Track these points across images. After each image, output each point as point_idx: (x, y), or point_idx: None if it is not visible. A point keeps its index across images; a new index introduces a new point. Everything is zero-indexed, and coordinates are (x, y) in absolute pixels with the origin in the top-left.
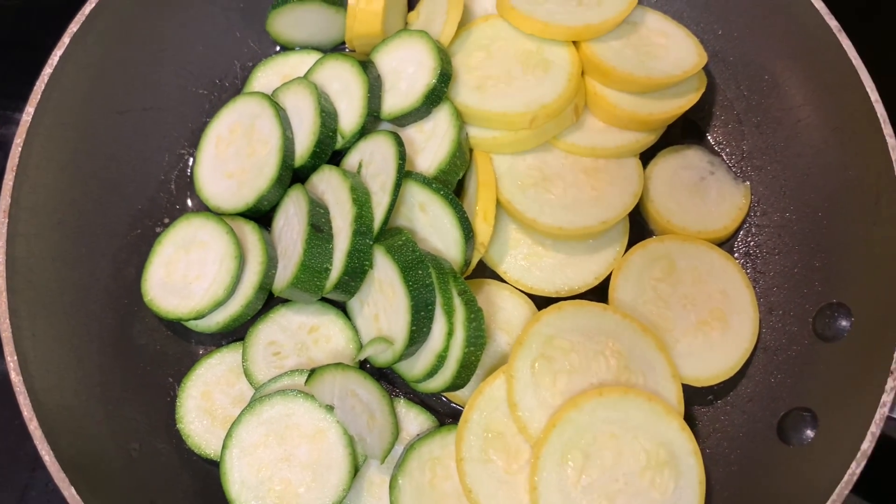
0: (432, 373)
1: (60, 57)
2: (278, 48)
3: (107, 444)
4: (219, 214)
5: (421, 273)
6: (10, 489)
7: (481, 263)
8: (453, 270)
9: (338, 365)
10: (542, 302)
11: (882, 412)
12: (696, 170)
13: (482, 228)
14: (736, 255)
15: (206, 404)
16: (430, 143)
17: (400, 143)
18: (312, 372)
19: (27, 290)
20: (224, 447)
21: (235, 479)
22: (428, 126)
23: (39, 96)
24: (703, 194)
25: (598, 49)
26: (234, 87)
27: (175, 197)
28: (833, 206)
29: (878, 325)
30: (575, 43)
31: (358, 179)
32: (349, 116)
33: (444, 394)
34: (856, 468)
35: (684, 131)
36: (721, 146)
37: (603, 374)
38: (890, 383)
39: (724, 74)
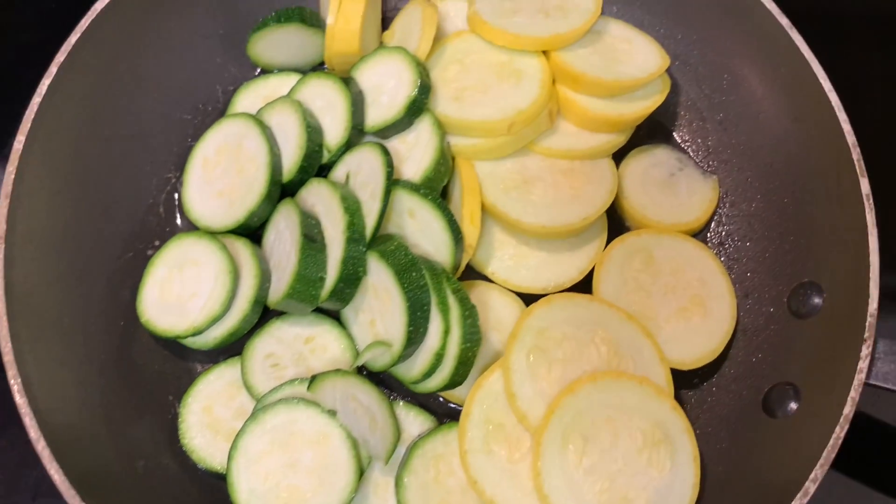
0: (430, 372)
1: (49, 86)
2: (258, 71)
3: (113, 462)
4: (210, 233)
5: (415, 275)
6: None
7: (469, 267)
8: (445, 271)
9: (337, 371)
10: (530, 299)
11: (860, 378)
12: (665, 167)
13: (470, 231)
14: (710, 244)
15: (207, 419)
16: (414, 153)
17: (386, 152)
18: (314, 378)
19: (27, 315)
20: (230, 458)
21: (243, 488)
22: (410, 137)
23: (30, 124)
24: (674, 189)
25: (567, 57)
26: (217, 110)
27: (164, 219)
28: (797, 191)
29: (849, 298)
30: (545, 53)
31: (347, 189)
32: (334, 131)
33: (442, 393)
34: (839, 432)
35: (652, 131)
36: (687, 143)
37: (595, 362)
38: (864, 351)
39: (686, 76)
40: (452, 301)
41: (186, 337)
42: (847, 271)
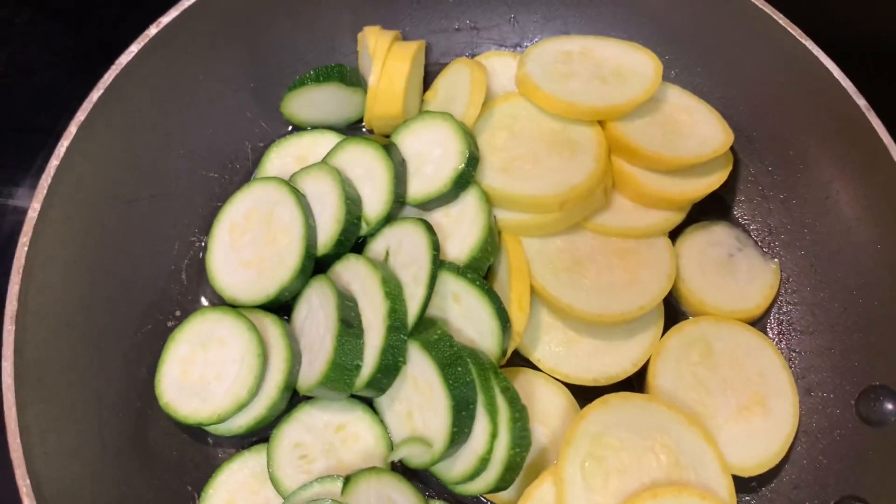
0: (473, 475)
1: (67, 148)
2: (290, 127)
3: None
4: (235, 307)
5: (461, 370)
6: None
7: (513, 351)
8: (493, 365)
9: (372, 470)
10: (577, 390)
11: None
12: (724, 246)
13: (517, 317)
14: (769, 334)
15: None
16: (459, 229)
17: (432, 231)
18: (347, 480)
19: (37, 404)
20: None
21: None
22: (455, 210)
23: (46, 190)
24: (734, 272)
25: (624, 128)
26: (245, 168)
27: (187, 288)
28: (867, 283)
29: None
30: (600, 122)
31: (389, 271)
32: (374, 202)
33: (485, 495)
34: None
35: (709, 207)
36: (747, 222)
37: (654, 472)
38: None
39: (747, 149)
40: (501, 401)
41: (210, 424)
42: None
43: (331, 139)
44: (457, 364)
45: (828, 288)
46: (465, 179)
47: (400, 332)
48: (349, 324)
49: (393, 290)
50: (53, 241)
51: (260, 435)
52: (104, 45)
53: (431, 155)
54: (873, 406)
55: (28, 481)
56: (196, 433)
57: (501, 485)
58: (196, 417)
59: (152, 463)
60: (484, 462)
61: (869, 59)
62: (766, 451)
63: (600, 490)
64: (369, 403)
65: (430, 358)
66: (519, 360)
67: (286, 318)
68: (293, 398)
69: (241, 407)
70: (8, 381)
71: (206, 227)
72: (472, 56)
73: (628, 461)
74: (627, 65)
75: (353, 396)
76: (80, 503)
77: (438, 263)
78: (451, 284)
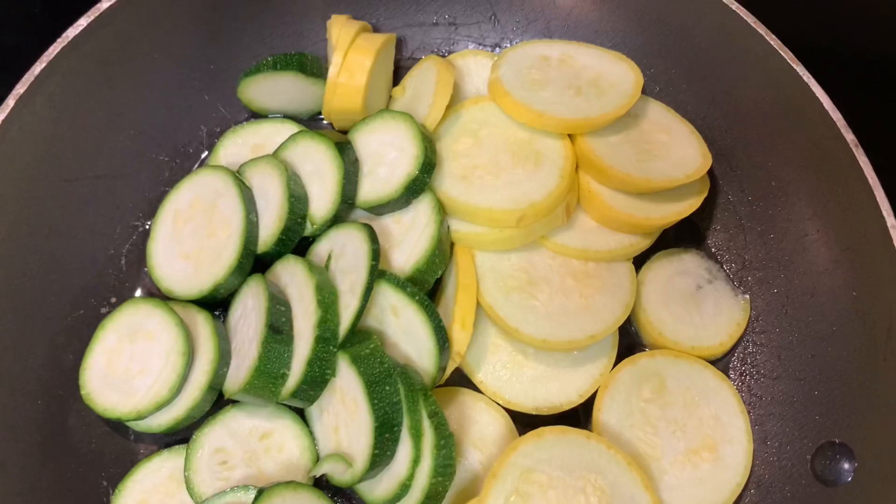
0: (394, 500)
1: (3, 120)
2: (249, 114)
3: None
4: (170, 299)
5: (388, 389)
6: None
7: (456, 369)
8: (424, 387)
9: (289, 484)
10: (518, 416)
11: None
12: (692, 277)
13: (459, 336)
14: (731, 374)
15: None
16: (408, 237)
17: (374, 239)
18: (260, 493)
19: None
20: None
21: None
22: (406, 217)
23: None
24: (699, 305)
25: (595, 144)
26: (199, 153)
27: (125, 273)
28: (839, 331)
29: (884, 473)
30: (571, 135)
31: (325, 277)
32: (321, 202)
33: None
34: None
35: (681, 233)
36: (721, 252)
37: None
38: None
39: (727, 175)
40: (427, 426)
41: (129, 420)
42: (885, 441)
43: (290, 130)
44: (385, 382)
45: (797, 332)
46: (418, 186)
47: (329, 343)
48: (278, 330)
49: (326, 299)
50: None
51: (184, 434)
52: (57, 13)
53: (387, 157)
54: (829, 464)
55: None
56: (118, 427)
57: None
58: (116, 412)
59: (67, 453)
60: (405, 488)
61: (853, 76)
62: (712, 500)
63: None
64: (300, 412)
65: (357, 373)
66: (462, 379)
67: (224, 316)
68: (220, 399)
69: (161, 405)
70: None
71: (151, 212)
72: (448, 53)
73: (555, 501)
74: (607, 76)
75: (282, 404)
76: None
77: (376, 274)
78: (391, 297)
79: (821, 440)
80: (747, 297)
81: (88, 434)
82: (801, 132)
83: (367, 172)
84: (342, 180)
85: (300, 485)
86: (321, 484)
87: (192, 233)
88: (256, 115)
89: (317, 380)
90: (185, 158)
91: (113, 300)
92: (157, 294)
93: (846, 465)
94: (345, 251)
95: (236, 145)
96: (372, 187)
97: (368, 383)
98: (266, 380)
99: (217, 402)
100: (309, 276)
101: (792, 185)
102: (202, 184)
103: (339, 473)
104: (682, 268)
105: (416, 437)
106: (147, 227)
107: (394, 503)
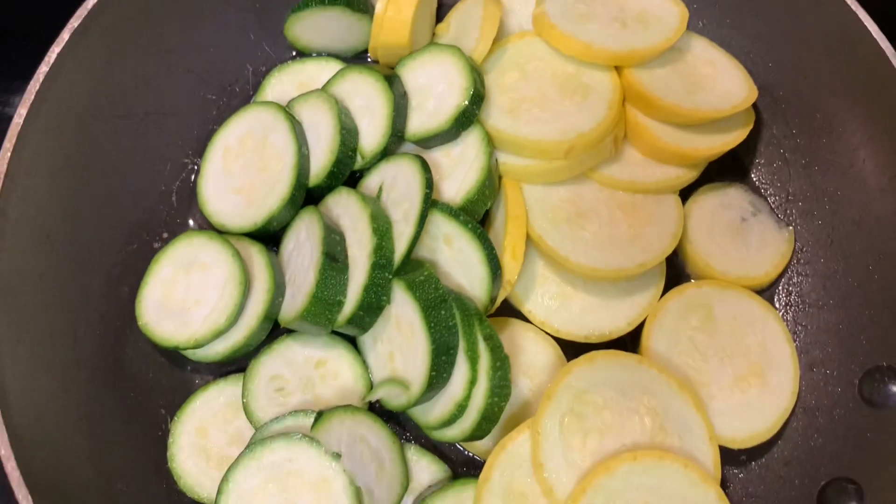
0: (450, 422)
1: (59, 54)
2: (295, 53)
3: (91, 483)
4: (223, 233)
5: (444, 314)
6: None
7: (504, 301)
8: (479, 312)
9: (347, 408)
10: (567, 346)
11: None
12: (737, 210)
13: (510, 265)
14: (776, 304)
15: (200, 442)
16: (458, 170)
17: (427, 169)
18: (320, 415)
19: (10, 312)
20: (219, 492)
21: None
22: (456, 150)
23: (33, 97)
24: (745, 237)
25: (642, 76)
26: (245, 92)
27: (176, 210)
28: (885, 259)
29: None
30: (617, 68)
31: (378, 206)
32: (371, 135)
33: (461, 442)
34: None
35: (726, 168)
36: (765, 186)
37: (637, 435)
38: None
39: (771, 109)
40: (483, 349)
41: (187, 349)
42: None
43: (335, 68)
44: (440, 307)
45: (843, 261)
46: (467, 118)
47: (385, 269)
48: (334, 258)
49: (381, 227)
50: (39, 149)
51: (238, 365)
52: None
53: (435, 90)
54: (877, 387)
55: None
56: (174, 358)
57: (478, 433)
58: (173, 340)
59: (126, 382)
60: (461, 409)
61: None
62: (760, 425)
63: (578, 448)
64: (352, 342)
65: (413, 299)
66: (509, 311)
67: (275, 249)
68: (274, 331)
69: (219, 334)
70: None
71: (200, 150)
72: None
73: (610, 421)
74: (652, 10)
75: (335, 334)
76: (47, 415)
77: (430, 202)
78: (443, 226)
79: (868, 364)
80: (791, 228)
81: (145, 364)
82: (849, 63)
83: (416, 106)
84: (392, 113)
85: (357, 409)
86: (374, 411)
87: (243, 168)
88: (302, 55)
89: (372, 306)
90: (231, 97)
91: (165, 235)
92: (208, 230)
93: (894, 388)
94: (396, 182)
95: (282, 84)
96: (421, 120)
97: (424, 308)
98: (322, 306)
99: (271, 333)
100: (363, 206)
101: (838, 116)
102: (252, 119)
103: (395, 397)
104: (727, 201)
105: (473, 359)
106: (196, 164)
107: (450, 424)
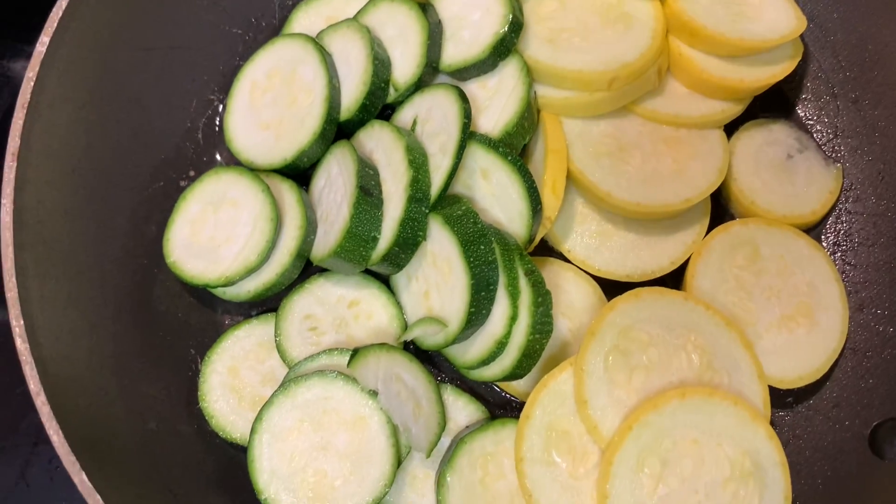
0: (489, 360)
1: None
2: None
3: (121, 422)
4: (252, 170)
5: (483, 248)
6: (9, 464)
7: (542, 240)
8: (519, 247)
9: (382, 345)
10: (608, 286)
11: None
12: (783, 146)
13: (549, 201)
14: (824, 243)
15: (232, 381)
16: (495, 102)
17: (465, 98)
18: (355, 352)
19: (37, 246)
20: (253, 431)
21: (265, 467)
22: (492, 82)
23: (56, 24)
24: (791, 174)
25: (686, 5)
26: (272, 27)
27: (202, 147)
28: None
29: None
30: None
31: (414, 138)
32: (404, 66)
33: (499, 383)
34: None
35: (770, 103)
36: (811, 122)
37: (684, 372)
38: None
39: (820, 42)
40: (524, 284)
41: (216, 287)
42: None
43: (362, 1)
44: (480, 242)
45: (894, 198)
46: (505, 46)
47: (421, 203)
48: (368, 192)
49: (417, 159)
50: (62, 80)
51: (269, 305)
52: None
53: (470, 18)
54: None
55: (22, 322)
56: (204, 298)
57: (517, 372)
58: (203, 278)
59: (155, 321)
60: (501, 346)
61: None
62: (808, 366)
63: (623, 384)
64: (385, 282)
65: (451, 233)
66: (548, 250)
67: (304, 188)
68: (306, 271)
69: (250, 271)
70: (6, 219)
71: (227, 87)
72: None
73: (657, 358)
74: None
75: (368, 273)
76: (76, 352)
77: (468, 133)
78: (481, 159)
79: None
80: (839, 165)
81: (174, 304)
82: None
83: (450, 36)
84: (427, 41)
85: (393, 347)
86: (408, 351)
87: (272, 103)
88: None
89: (409, 242)
90: (258, 32)
91: (192, 173)
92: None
93: None
94: (431, 115)
95: (309, 17)
96: (457, 50)
97: (463, 243)
98: (357, 242)
99: (303, 273)
100: (398, 138)
101: (889, 47)
102: (280, 53)
103: (432, 335)
104: (772, 138)
105: (513, 295)
106: (223, 102)
107: (489, 362)
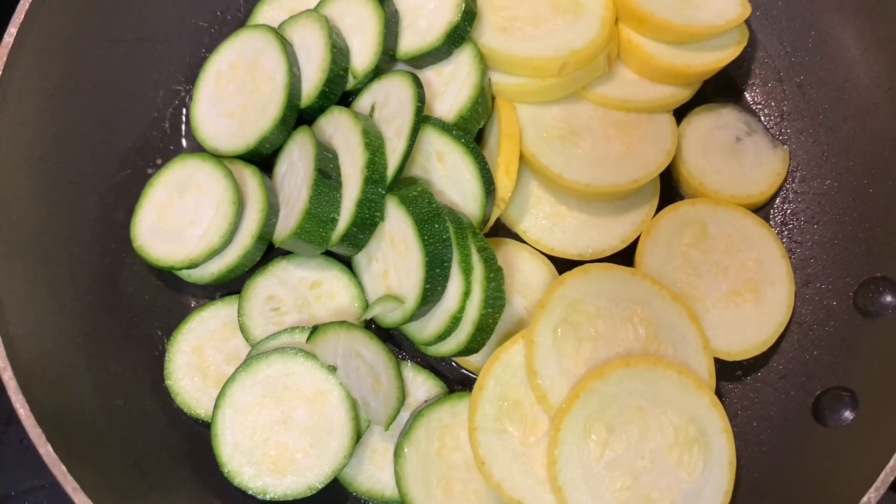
0: (445, 335)
1: None
2: None
3: (88, 398)
4: (216, 156)
5: (437, 227)
6: None
7: (498, 222)
8: (472, 225)
9: (342, 323)
10: (562, 265)
11: None
12: (731, 130)
13: (503, 183)
14: (772, 223)
15: (197, 360)
16: (450, 88)
17: (418, 83)
18: (315, 329)
19: (5, 229)
20: (216, 406)
21: (227, 441)
22: (448, 69)
23: (24, 16)
24: (739, 157)
25: None
26: (237, 20)
27: (169, 136)
28: (880, 172)
29: None
30: None
31: (371, 122)
32: (362, 54)
33: (455, 358)
34: None
35: (720, 88)
36: (759, 106)
37: (630, 343)
38: None
39: (766, 28)
40: (476, 260)
41: (182, 269)
42: None
43: None
44: (434, 221)
45: (839, 177)
46: (459, 35)
47: (378, 184)
48: (327, 174)
49: (373, 142)
50: (30, 70)
51: (233, 288)
52: None
53: (426, 7)
54: (872, 297)
55: None
56: (170, 281)
57: (472, 346)
58: (168, 261)
59: (123, 303)
60: (455, 321)
61: None
62: (755, 339)
63: (571, 355)
64: (347, 265)
65: (406, 213)
66: (504, 231)
67: (268, 174)
68: (269, 254)
69: (213, 253)
70: None
71: (193, 78)
72: None
73: (604, 330)
74: None
75: (330, 255)
76: (44, 329)
77: (422, 116)
78: (436, 142)
79: (863, 277)
80: (786, 147)
81: (142, 287)
82: None
83: (407, 25)
84: (383, 30)
85: (352, 324)
86: (370, 330)
87: (235, 92)
88: None
89: (366, 222)
90: (223, 24)
91: (158, 161)
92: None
93: (889, 298)
94: (388, 100)
95: (273, 9)
96: (413, 38)
97: (418, 222)
98: (316, 223)
99: (265, 256)
100: (355, 122)
101: (832, 32)
102: (243, 43)
103: (390, 312)
104: (721, 121)
105: (467, 271)
106: (189, 92)
107: (445, 337)
